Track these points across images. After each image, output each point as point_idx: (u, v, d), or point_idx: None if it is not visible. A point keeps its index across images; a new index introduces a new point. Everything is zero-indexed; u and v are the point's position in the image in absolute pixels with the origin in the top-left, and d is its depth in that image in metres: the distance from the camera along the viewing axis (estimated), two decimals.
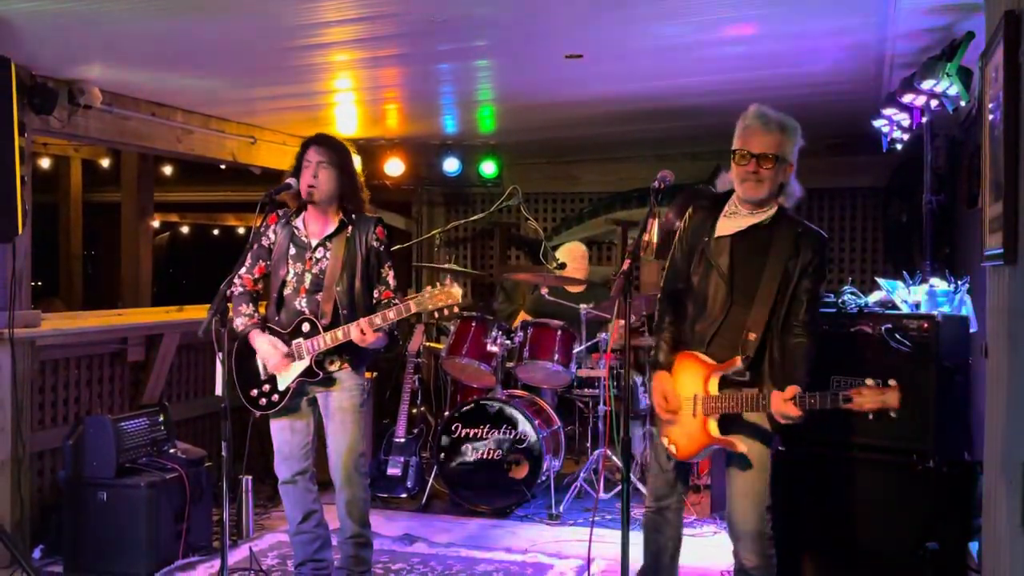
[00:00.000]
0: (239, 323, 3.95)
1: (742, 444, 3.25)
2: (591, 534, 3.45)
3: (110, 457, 4.51)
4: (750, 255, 3.25)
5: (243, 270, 3.98)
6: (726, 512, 3.44)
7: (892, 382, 3.02)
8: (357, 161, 6.87)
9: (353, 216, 3.98)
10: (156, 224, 12.92)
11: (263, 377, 3.95)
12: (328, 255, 3.91)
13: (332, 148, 3.94)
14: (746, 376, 3.24)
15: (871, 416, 3.07)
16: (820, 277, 3.26)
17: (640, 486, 5.49)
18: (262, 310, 4.05)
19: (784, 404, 3.07)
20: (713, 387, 3.25)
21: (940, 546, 3.64)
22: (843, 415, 3.85)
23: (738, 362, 3.19)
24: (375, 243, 3.96)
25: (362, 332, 3.75)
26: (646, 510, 3.59)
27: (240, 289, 3.99)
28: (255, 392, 3.96)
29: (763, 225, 3.27)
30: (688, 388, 3.34)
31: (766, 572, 3.35)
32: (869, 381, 3.02)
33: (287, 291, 3.94)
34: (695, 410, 3.30)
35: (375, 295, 3.97)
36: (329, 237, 3.93)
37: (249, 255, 3.94)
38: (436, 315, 3.81)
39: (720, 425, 3.27)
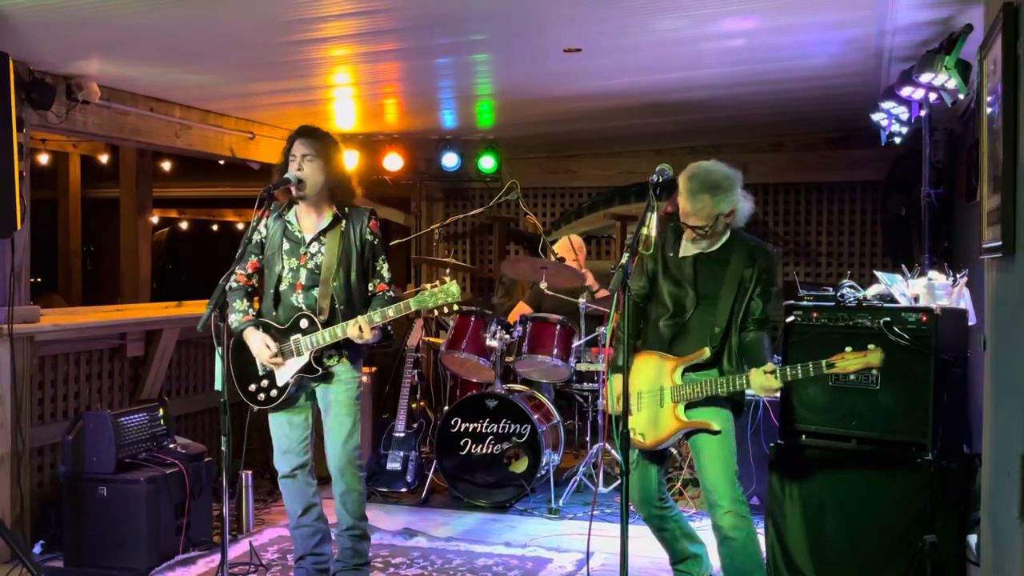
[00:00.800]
0: (233, 320, 3.95)
1: (714, 422, 3.58)
2: (590, 528, 3.46)
3: (110, 452, 4.51)
4: (712, 267, 3.67)
5: (236, 266, 3.96)
6: (701, 486, 3.65)
7: (872, 346, 3.34)
8: (353, 156, 6.91)
9: (346, 209, 3.97)
10: (155, 220, 12.92)
11: (261, 373, 3.95)
12: (323, 250, 3.91)
13: (317, 140, 3.91)
14: (711, 365, 3.63)
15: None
16: (771, 282, 3.68)
17: None
18: (257, 305, 4.05)
19: (764, 377, 3.44)
20: (678, 377, 3.62)
21: (939, 539, 3.65)
22: (844, 408, 3.91)
23: (706, 352, 3.57)
24: (369, 236, 3.96)
25: (360, 330, 3.75)
26: (643, 520, 3.86)
27: (234, 285, 3.98)
28: (253, 387, 3.97)
29: (721, 246, 3.70)
30: (651, 382, 3.66)
31: (746, 533, 3.54)
32: (848, 348, 3.35)
33: (283, 287, 3.94)
34: (662, 400, 3.63)
35: (370, 288, 3.97)
36: (323, 231, 3.92)
37: (243, 251, 3.92)
38: (436, 312, 3.82)
39: (687, 408, 3.61)
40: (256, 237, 3.98)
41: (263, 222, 3.97)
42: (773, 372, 3.44)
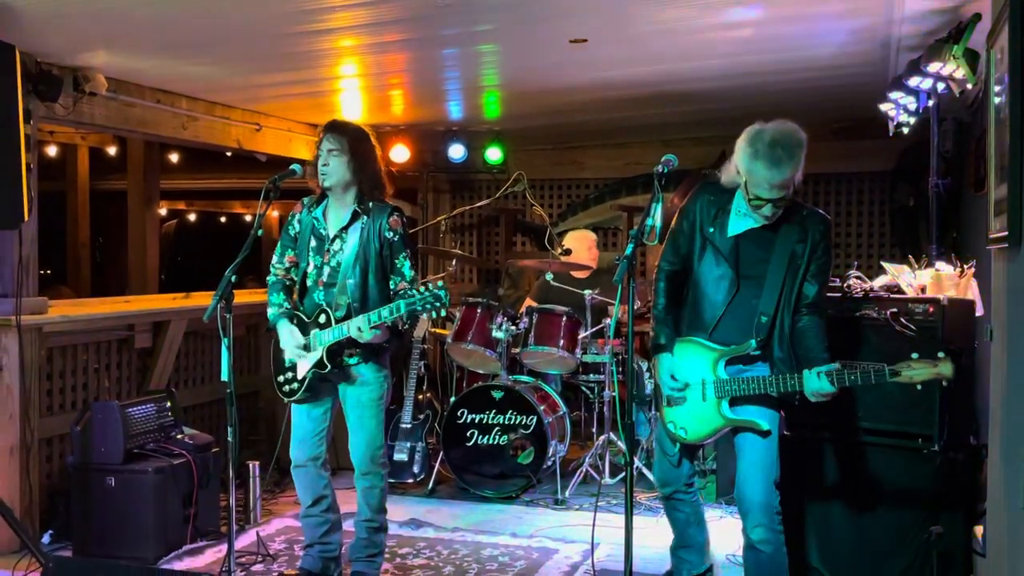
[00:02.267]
0: (269, 312, 4.03)
1: (763, 420, 3.33)
2: (594, 518, 3.47)
3: (118, 443, 4.53)
4: (758, 242, 3.32)
5: (275, 259, 4.06)
6: (735, 487, 3.48)
7: (941, 355, 3.07)
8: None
9: (369, 205, 3.93)
10: (163, 212, 12.95)
11: (287, 365, 4.00)
12: (344, 247, 3.91)
13: (343, 135, 3.91)
14: (760, 358, 3.33)
15: (919, 387, 3.15)
16: (828, 257, 3.34)
17: (646, 471, 5.50)
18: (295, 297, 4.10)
19: (819, 382, 3.13)
20: (721, 371, 3.33)
21: (945, 530, 3.64)
22: (850, 399, 3.90)
23: (751, 344, 3.27)
24: (388, 234, 3.90)
25: (359, 330, 3.74)
26: (661, 496, 3.75)
27: (274, 278, 4.07)
28: (282, 379, 4.02)
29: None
30: (692, 373, 3.40)
31: (775, 547, 3.38)
32: (915, 355, 3.07)
33: (309, 282, 4.00)
34: (704, 394, 3.36)
35: (391, 286, 3.93)
36: (344, 228, 3.92)
37: (279, 245, 4.01)
38: (427, 316, 3.80)
39: (730, 405, 3.35)
40: (291, 231, 4.04)
41: (296, 216, 4.02)
42: (830, 376, 3.12)
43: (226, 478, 5.28)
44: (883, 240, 7.53)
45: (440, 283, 3.70)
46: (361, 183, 3.93)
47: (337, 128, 3.93)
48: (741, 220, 3.31)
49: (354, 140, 3.92)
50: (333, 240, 3.93)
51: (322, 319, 3.88)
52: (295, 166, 3.87)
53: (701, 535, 3.82)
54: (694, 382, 3.40)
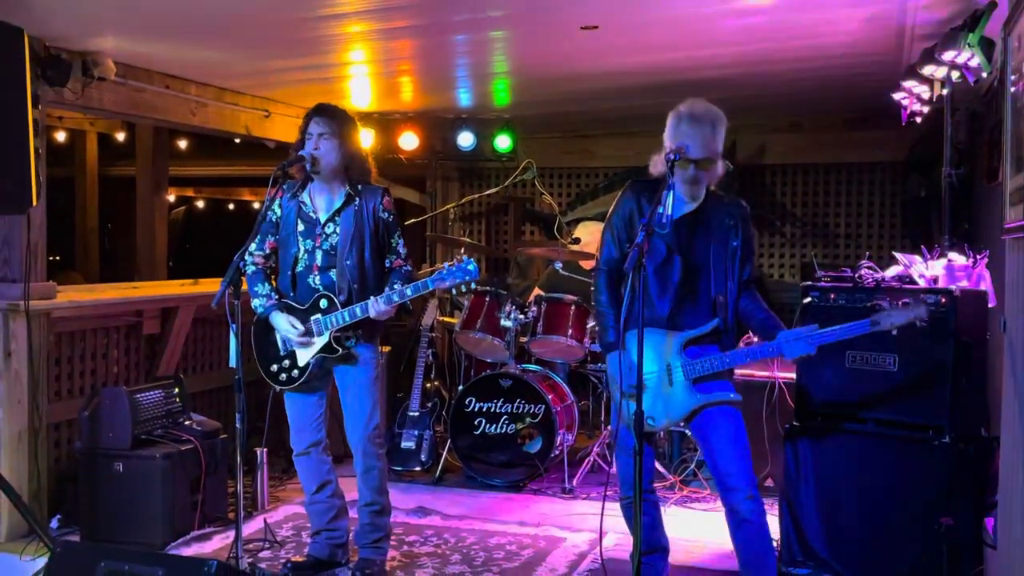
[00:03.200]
0: (257, 304, 3.96)
1: (734, 394, 3.42)
2: (603, 508, 3.45)
3: (126, 428, 4.54)
4: (694, 228, 3.47)
5: (254, 246, 3.96)
6: (713, 468, 3.46)
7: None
8: (368, 134, 6.89)
9: (360, 187, 3.95)
10: (172, 199, 12.95)
11: (282, 353, 3.96)
12: (338, 229, 3.90)
13: (332, 118, 3.90)
14: (712, 338, 3.44)
15: (894, 332, 3.25)
16: (752, 237, 3.57)
17: (655, 462, 5.48)
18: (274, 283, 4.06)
19: (800, 348, 3.26)
20: (685, 353, 3.41)
21: (955, 522, 3.62)
22: (861, 389, 3.88)
23: (713, 323, 3.40)
24: (383, 214, 3.94)
25: (379, 309, 3.75)
26: (623, 499, 3.62)
27: (253, 268, 3.99)
28: (275, 368, 3.98)
29: (700, 205, 3.50)
30: (652, 361, 3.43)
31: (763, 516, 3.39)
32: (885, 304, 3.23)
33: (299, 268, 3.94)
34: (671, 378, 3.42)
35: (387, 264, 3.98)
36: (338, 211, 3.91)
37: (258, 231, 3.91)
38: (453, 290, 3.82)
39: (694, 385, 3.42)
40: (271, 217, 3.97)
41: (277, 202, 3.96)
42: (809, 339, 3.27)
43: (233, 464, 5.31)
44: (895, 231, 7.49)
45: (468, 256, 3.73)
46: (350, 166, 3.93)
47: (326, 111, 3.92)
48: (676, 205, 3.40)
49: (343, 123, 3.92)
50: (325, 223, 3.91)
51: (323, 304, 3.86)
52: (303, 152, 3.85)
53: (664, 539, 3.74)
54: (655, 369, 3.44)
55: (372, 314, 3.77)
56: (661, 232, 3.40)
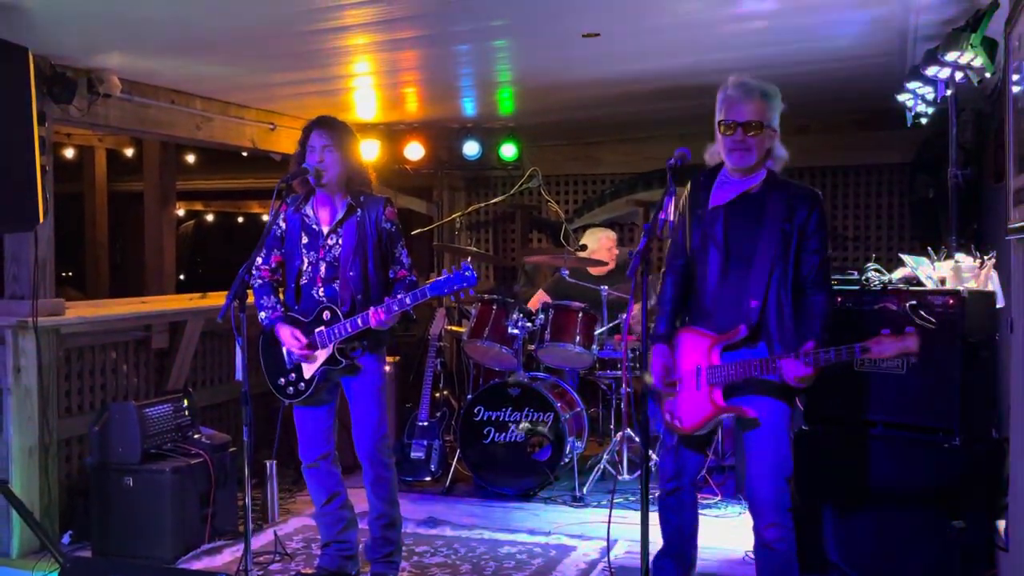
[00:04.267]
0: (263, 317, 3.98)
1: (752, 409, 3.23)
2: (610, 515, 3.44)
3: (135, 443, 4.55)
4: (745, 222, 3.25)
5: (260, 261, 3.98)
6: (746, 487, 3.38)
7: (909, 329, 3.02)
8: (374, 145, 6.91)
9: (362, 198, 3.96)
10: (181, 213, 13.01)
11: (289, 366, 3.97)
12: (340, 241, 3.91)
13: (335, 130, 3.91)
14: (755, 343, 3.23)
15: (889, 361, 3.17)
16: (824, 233, 3.25)
17: None
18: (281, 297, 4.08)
19: (795, 367, 3.05)
20: (715, 357, 3.25)
21: (967, 525, 3.59)
22: (870, 392, 3.86)
23: (741, 331, 3.18)
24: (386, 224, 3.95)
25: (379, 319, 3.75)
26: (661, 492, 3.56)
27: (259, 282, 4.01)
28: (282, 381, 3.99)
29: (754, 191, 3.27)
30: (690, 361, 3.33)
31: (788, 545, 3.28)
32: (884, 331, 3.01)
33: (303, 280, 3.95)
34: (699, 382, 3.28)
35: (391, 275, 3.98)
36: (340, 223, 3.92)
37: (264, 245, 3.92)
38: (453, 298, 3.81)
39: (727, 392, 3.25)
40: (276, 231, 4.00)
41: (281, 215, 3.98)
42: (805, 358, 3.03)
43: (243, 477, 5.31)
44: (903, 232, 7.47)
45: (468, 260, 3.72)
46: (352, 177, 3.95)
47: (328, 124, 3.93)
48: (721, 191, 3.29)
49: (345, 135, 3.94)
50: (328, 235, 3.92)
51: (326, 316, 3.87)
52: (307, 164, 3.87)
53: (692, 549, 3.59)
54: (689, 371, 3.30)
55: (372, 324, 3.77)
56: (702, 219, 3.26)
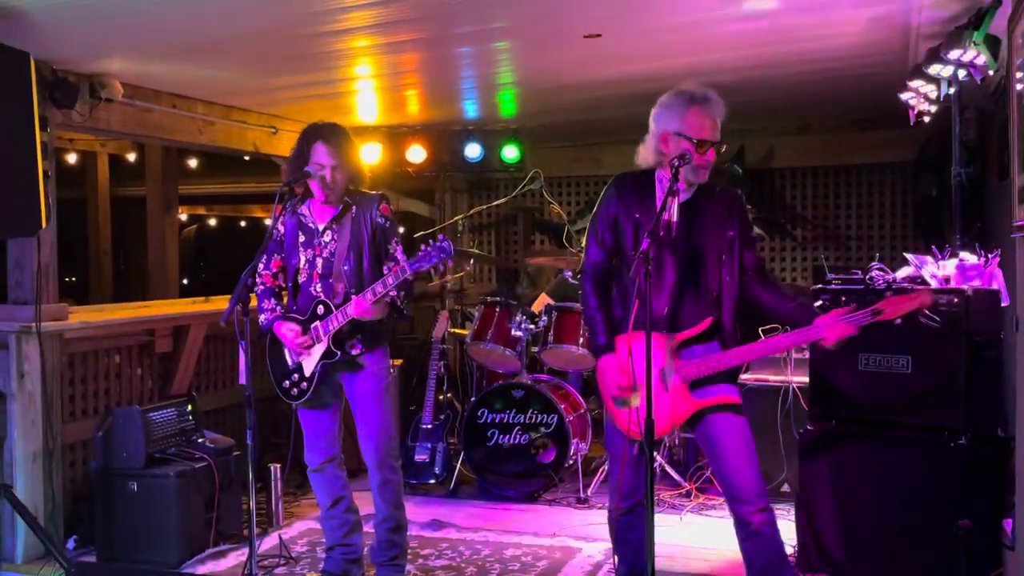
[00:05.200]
0: (263, 319, 3.98)
1: (733, 396, 3.25)
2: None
3: (140, 448, 4.55)
4: (689, 219, 3.29)
5: (261, 266, 3.99)
6: (721, 480, 3.32)
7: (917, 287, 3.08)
8: (376, 148, 6.89)
9: (357, 195, 3.97)
10: (183, 217, 13.02)
11: (291, 367, 3.97)
12: (336, 237, 3.92)
13: (340, 147, 3.90)
14: (711, 336, 3.26)
15: (898, 321, 3.14)
16: (751, 226, 3.43)
17: (669, 469, 5.46)
18: (284, 300, 4.08)
19: (842, 327, 3.08)
20: (678, 355, 3.24)
21: (973, 524, 3.58)
22: (875, 392, 3.85)
23: (709, 322, 3.22)
24: (380, 220, 3.95)
25: (362, 306, 3.73)
26: (615, 511, 3.45)
27: (261, 287, 4.02)
28: (287, 383, 3.99)
29: (694, 194, 3.35)
30: (647, 365, 3.15)
31: (774, 527, 3.24)
32: (890, 294, 3.06)
33: (302, 279, 3.97)
34: (666, 383, 3.24)
35: (385, 271, 3.93)
36: (335, 219, 3.94)
37: (265, 250, 3.92)
38: (433, 272, 3.75)
39: (691, 389, 3.25)
40: (276, 235, 4.01)
41: (280, 219, 3.98)
42: (850, 316, 3.07)
43: (247, 481, 5.31)
44: (906, 231, 7.45)
45: (442, 236, 3.67)
46: (349, 180, 3.96)
47: (334, 141, 3.89)
48: (672, 198, 3.25)
49: (348, 148, 3.94)
50: (324, 232, 3.92)
51: (320, 310, 3.87)
52: (309, 168, 3.86)
53: (649, 562, 3.37)
54: (652, 374, 3.14)
55: (355, 312, 3.74)
56: (643, 225, 3.25)
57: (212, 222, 14.59)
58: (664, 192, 3.18)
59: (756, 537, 3.23)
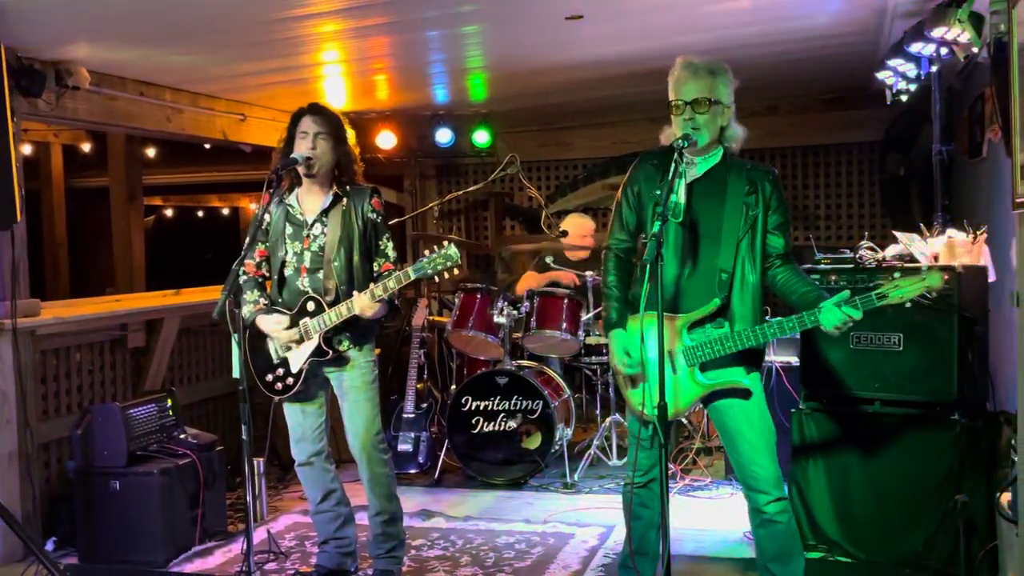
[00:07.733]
0: (245, 311, 3.89)
1: (742, 381, 3.18)
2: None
3: (121, 445, 4.43)
4: (707, 199, 3.21)
5: (244, 256, 3.87)
6: (737, 468, 3.28)
7: (926, 267, 3.02)
8: (350, 134, 6.80)
9: (348, 188, 3.88)
10: None
11: (276, 361, 3.88)
12: (325, 231, 3.83)
13: (328, 118, 3.84)
14: (721, 319, 3.18)
15: (908, 304, 3.08)
16: (785, 207, 3.25)
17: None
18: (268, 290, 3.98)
19: (841, 312, 2.99)
20: (687, 337, 3.18)
21: (969, 498, 3.63)
22: (867, 370, 3.88)
23: (715, 303, 3.13)
24: (372, 215, 3.87)
25: (362, 305, 3.66)
26: (631, 485, 3.39)
27: (244, 277, 3.92)
28: (271, 377, 3.90)
29: (712, 169, 3.24)
30: (654, 347, 3.13)
31: (789, 514, 3.23)
32: (897, 273, 2.94)
33: (288, 271, 3.87)
34: (674, 365, 3.20)
35: (375, 268, 3.89)
36: (325, 212, 3.84)
37: (249, 240, 3.81)
38: (437, 279, 3.69)
39: (703, 370, 3.20)
40: (262, 224, 3.90)
41: (266, 208, 3.88)
42: (852, 302, 2.97)
43: (231, 477, 5.22)
44: (874, 210, 7.53)
45: (448, 244, 3.62)
46: (341, 166, 3.87)
47: (320, 111, 3.85)
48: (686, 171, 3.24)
49: (336, 123, 3.87)
50: (313, 224, 3.84)
51: (310, 306, 3.79)
52: (296, 155, 3.77)
53: (658, 543, 3.37)
54: (656, 357, 3.07)
55: (356, 310, 3.68)
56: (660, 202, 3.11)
57: (169, 213, 14.31)
58: (676, 172, 3.11)
59: (770, 525, 3.21)
